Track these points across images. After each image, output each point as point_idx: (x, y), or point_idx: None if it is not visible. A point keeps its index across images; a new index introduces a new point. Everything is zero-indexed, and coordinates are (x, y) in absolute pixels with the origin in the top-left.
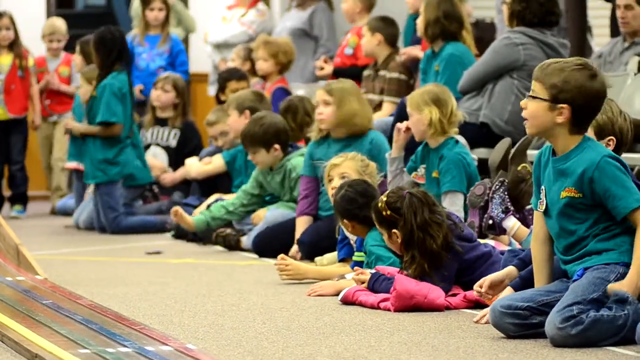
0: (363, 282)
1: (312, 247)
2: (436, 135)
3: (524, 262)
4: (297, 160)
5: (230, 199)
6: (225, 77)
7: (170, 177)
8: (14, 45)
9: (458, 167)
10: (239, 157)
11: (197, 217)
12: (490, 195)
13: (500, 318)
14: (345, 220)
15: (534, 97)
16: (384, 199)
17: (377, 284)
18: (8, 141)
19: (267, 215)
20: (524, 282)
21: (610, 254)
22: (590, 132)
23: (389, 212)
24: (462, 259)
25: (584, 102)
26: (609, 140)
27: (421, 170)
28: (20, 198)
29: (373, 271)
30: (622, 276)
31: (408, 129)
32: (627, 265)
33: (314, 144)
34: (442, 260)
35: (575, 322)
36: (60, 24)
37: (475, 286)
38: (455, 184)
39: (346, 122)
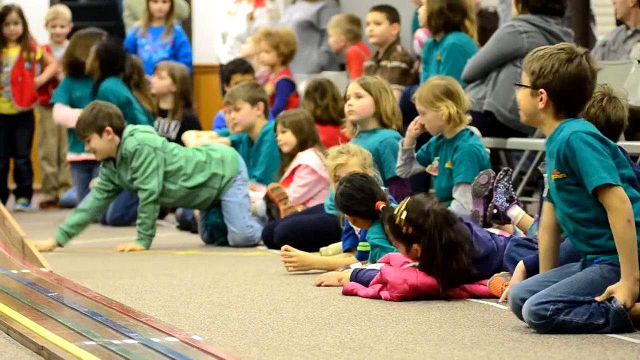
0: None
1: (284, 242)
2: (455, 126)
3: (532, 260)
4: (132, 141)
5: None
6: (231, 69)
7: None
8: (23, 38)
9: (472, 159)
10: (241, 146)
11: (55, 233)
12: (495, 184)
13: (527, 321)
14: (346, 215)
15: (520, 85)
16: (403, 214)
17: (359, 276)
18: (14, 135)
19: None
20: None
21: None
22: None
23: (410, 230)
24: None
25: (560, 86)
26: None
27: (435, 162)
28: (25, 191)
29: (355, 266)
30: None
31: (416, 128)
32: None
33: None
34: (460, 281)
35: (546, 323)
36: (63, 9)
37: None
38: (468, 176)
39: (379, 116)
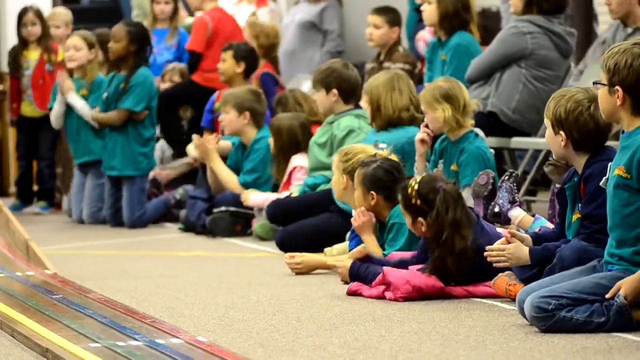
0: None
1: (286, 244)
2: (453, 130)
3: (537, 235)
4: (347, 121)
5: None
6: None
7: (165, 173)
8: (42, 40)
9: (478, 162)
10: (233, 149)
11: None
12: (500, 184)
13: (528, 314)
14: (372, 193)
15: (597, 84)
16: (415, 186)
17: (360, 272)
18: (37, 137)
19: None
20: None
21: None
22: (549, 124)
23: (419, 202)
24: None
25: (635, 81)
26: (561, 135)
27: (440, 165)
28: (46, 194)
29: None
30: None
31: (423, 140)
32: None
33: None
34: (467, 259)
35: (547, 317)
36: (61, 10)
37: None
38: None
39: (378, 116)
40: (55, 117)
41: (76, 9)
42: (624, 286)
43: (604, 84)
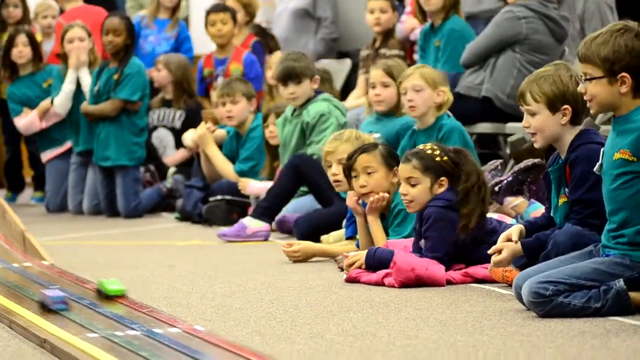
0: (360, 266)
1: (306, 234)
2: (437, 112)
3: (530, 222)
4: (317, 106)
5: None
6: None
7: (171, 158)
8: (22, 23)
9: (458, 134)
10: (228, 139)
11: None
12: (516, 169)
13: (526, 300)
14: (397, 168)
15: (590, 79)
16: (434, 146)
17: (376, 256)
18: None
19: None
20: (536, 241)
21: None
22: (542, 107)
23: (445, 158)
24: (469, 235)
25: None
26: (564, 110)
27: None
28: (42, 180)
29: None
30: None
31: None
32: None
33: (368, 122)
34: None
35: (545, 302)
36: (52, 2)
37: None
38: None
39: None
40: (66, 98)
41: None
42: None
43: (600, 77)
